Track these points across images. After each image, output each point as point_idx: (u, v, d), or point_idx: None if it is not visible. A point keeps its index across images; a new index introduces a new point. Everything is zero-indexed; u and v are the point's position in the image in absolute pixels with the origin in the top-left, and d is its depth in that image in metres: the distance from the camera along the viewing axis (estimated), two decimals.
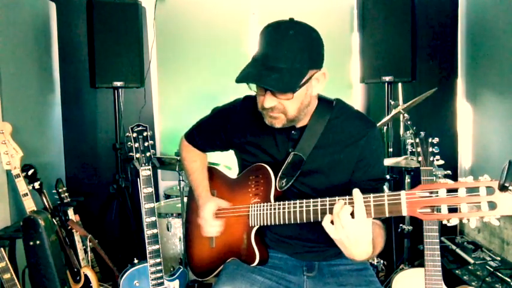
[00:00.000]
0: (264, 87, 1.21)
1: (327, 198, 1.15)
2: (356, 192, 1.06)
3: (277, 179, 1.35)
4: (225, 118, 1.52)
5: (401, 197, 1.01)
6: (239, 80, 1.20)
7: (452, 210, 0.95)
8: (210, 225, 1.47)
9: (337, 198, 1.12)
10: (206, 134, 1.61)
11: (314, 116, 1.36)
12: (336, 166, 1.35)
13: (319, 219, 1.15)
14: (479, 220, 0.94)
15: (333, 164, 1.35)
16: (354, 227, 1.04)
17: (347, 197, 1.09)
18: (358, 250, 1.07)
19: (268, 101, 1.23)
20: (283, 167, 1.35)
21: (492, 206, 0.91)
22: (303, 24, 1.23)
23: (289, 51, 1.17)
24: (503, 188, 0.88)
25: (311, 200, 1.19)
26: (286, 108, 1.25)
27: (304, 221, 1.20)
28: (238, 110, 1.49)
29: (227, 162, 2.45)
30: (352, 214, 1.04)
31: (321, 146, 1.35)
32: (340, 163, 1.35)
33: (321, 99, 1.39)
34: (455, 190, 0.95)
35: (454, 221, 0.95)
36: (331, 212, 1.12)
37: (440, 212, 0.96)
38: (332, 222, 1.07)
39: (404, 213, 1.01)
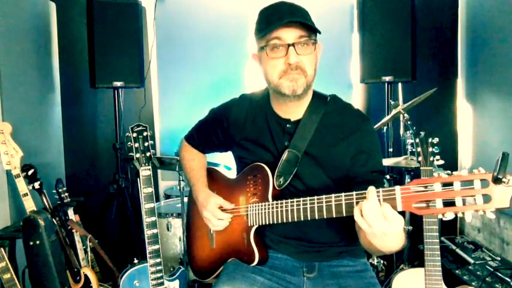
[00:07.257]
0: (298, 21, 1.24)
1: (323, 196, 1.15)
2: (370, 188, 1.02)
3: (274, 177, 1.35)
4: (222, 117, 1.53)
5: (396, 192, 1.00)
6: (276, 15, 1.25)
7: (448, 204, 0.93)
8: (218, 218, 1.44)
9: (333, 195, 1.12)
10: (205, 134, 1.63)
11: (308, 109, 1.37)
12: (332, 159, 1.35)
13: (316, 217, 1.16)
14: (474, 214, 0.92)
15: (328, 157, 1.35)
16: (381, 223, 1.00)
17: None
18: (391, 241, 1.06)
19: (293, 56, 1.25)
20: (278, 165, 1.36)
21: (487, 199, 0.89)
22: None
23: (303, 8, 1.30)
24: (496, 180, 0.87)
25: (308, 198, 1.19)
26: (305, 67, 1.27)
27: (302, 219, 1.21)
28: (234, 109, 1.51)
29: (227, 162, 2.45)
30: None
31: (317, 139, 1.36)
32: (336, 156, 1.35)
33: (316, 94, 1.40)
34: (450, 184, 0.93)
35: (449, 215, 0.93)
36: (328, 210, 1.13)
37: (435, 206, 0.94)
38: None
39: (400, 208, 0.99)
